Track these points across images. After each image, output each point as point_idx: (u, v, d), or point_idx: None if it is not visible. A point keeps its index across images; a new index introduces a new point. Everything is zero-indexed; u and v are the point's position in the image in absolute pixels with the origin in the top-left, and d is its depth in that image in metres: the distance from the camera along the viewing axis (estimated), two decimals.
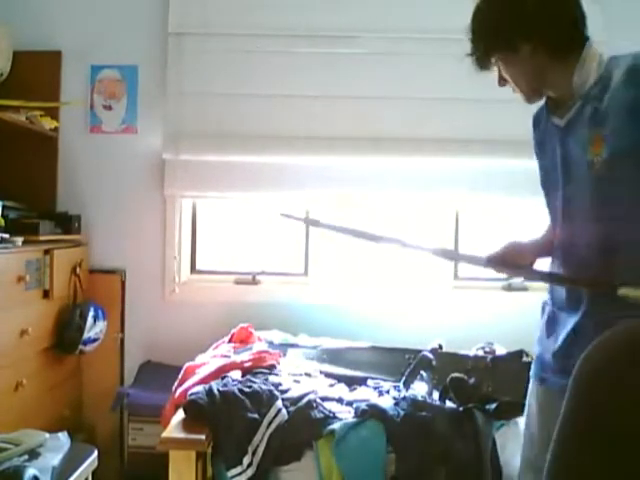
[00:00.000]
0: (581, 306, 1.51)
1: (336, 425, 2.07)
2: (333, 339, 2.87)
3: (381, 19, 3.07)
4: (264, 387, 2.21)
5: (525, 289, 3.11)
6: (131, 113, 3.16)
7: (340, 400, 2.29)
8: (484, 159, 3.04)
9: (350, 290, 3.17)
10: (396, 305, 3.13)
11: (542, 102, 1.63)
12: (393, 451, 2.05)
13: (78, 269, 2.90)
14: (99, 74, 3.15)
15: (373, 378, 2.55)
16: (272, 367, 2.51)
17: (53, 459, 1.87)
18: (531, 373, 1.69)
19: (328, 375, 2.58)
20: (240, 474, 1.95)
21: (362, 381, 2.53)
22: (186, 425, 2.02)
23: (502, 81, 1.57)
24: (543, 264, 1.68)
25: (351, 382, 2.52)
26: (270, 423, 2.07)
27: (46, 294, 2.67)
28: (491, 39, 1.50)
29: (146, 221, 3.17)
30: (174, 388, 2.35)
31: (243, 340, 2.75)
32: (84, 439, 2.66)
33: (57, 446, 1.96)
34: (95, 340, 2.87)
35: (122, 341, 3.15)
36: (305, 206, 3.26)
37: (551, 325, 1.61)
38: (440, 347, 2.68)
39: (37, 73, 3.01)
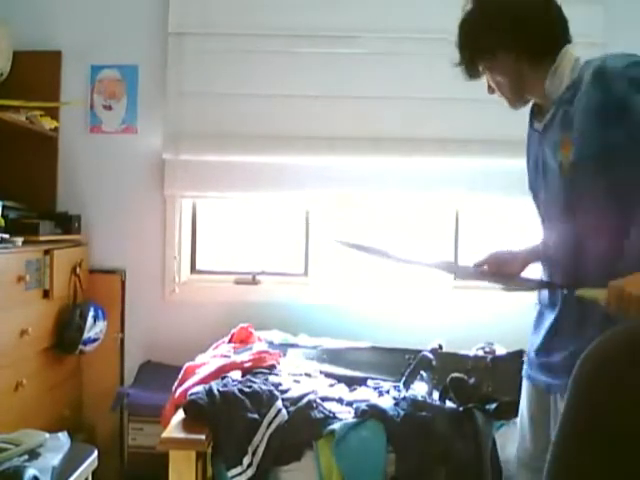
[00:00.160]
0: (557, 305, 1.56)
1: (336, 425, 2.07)
2: (333, 339, 2.87)
3: (381, 19, 3.07)
4: (264, 387, 2.21)
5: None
6: (131, 113, 3.16)
7: (340, 400, 2.29)
8: (483, 159, 3.04)
9: (350, 290, 3.17)
10: (396, 305, 3.13)
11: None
12: (393, 451, 2.05)
13: (78, 269, 2.90)
14: (99, 74, 3.15)
15: (373, 378, 2.55)
16: (272, 367, 2.51)
17: (53, 459, 1.87)
18: (522, 371, 1.71)
19: (328, 375, 2.57)
20: (240, 474, 1.95)
21: (362, 381, 2.53)
22: (186, 425, 2.02)
23: (490, 88, 1.65)
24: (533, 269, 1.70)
25: (351, 382, 2.52)
26: (270, 423, 2.07)
27: (46, 294, 2.67)
28: (474, 48, 1.58)
29: (146, 221, 3.17)
30: (174, 388, 2.35)
31: (243, 340, 2.75)
32: (84, 439, 2.66)
33: (57, 446, 1.96)
34: (95, 340, 2.87)
35: (122, 341, 3.15)
36: (305, 206, 3.27)
37: (537, 323, 1.65)
38: (440, 347, 2.68)
39: (37, 73, 3.01)
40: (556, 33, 1.56)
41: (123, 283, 3.15)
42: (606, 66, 1.47)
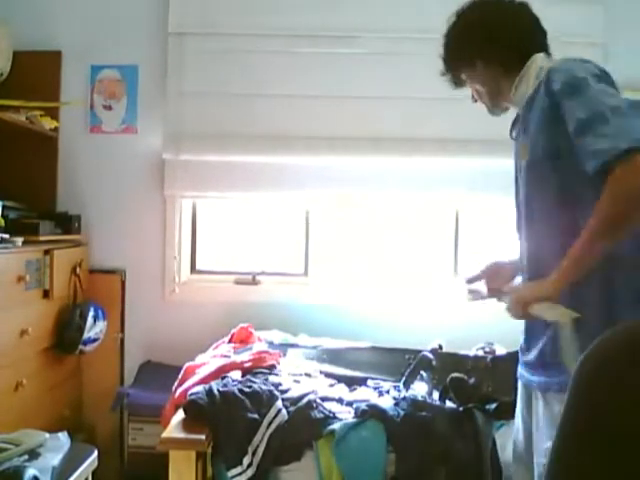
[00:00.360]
0: None
1: (336, 425, 2.07)
2: (333, 339, 2.87)
3: (381, 19, 3.07)
4: (264, 387, 2.21)
5: None
6: (131, 113, 3.16)
7: (340, 400, 2.29)
8: (483, 159, 3.04)
9: (350, 290, 3.17)
10: (396, 305, 3.13)
11: None
12: (393, 451, 2.05)
13: (78, 269, 2.90)
14: (99, 74, 3.15)
15: (373, 378, 2.55)
16: (272, 367, 2.51)
17: (53, 459, 1.87)
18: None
19: (328, 375, 2.57)
20: (240, 474, 1.95)
21: (362, 381, 2.53)
22: (186, 425, 2.02)
23: (473, 97, 1.76)
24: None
25: (351, 382, 2.52)
26: (270, 423, 2.07)
27: (46, 294, 2.67)
28: (456, 58, 1.71)
29: (146, 221, 3.17)
30: (174, 388, 2.35)
31: (243, 340, 2.75)
32: (84, 439, 2.66)
33: (57, 446, 1.96)
34: (95, 340, 2.87)
35: (122, 341, 3.15)
36: (305, 206, 3.27)
37: (525, 322, 1.67)
38: (440, 347, 2.67)
39: (37, 73, 3.01)
40: (527, 43, 1.64)
41: (123, 283, 3.15)
42: (553, 69, 1.51)
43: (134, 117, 3.16)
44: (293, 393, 2.25)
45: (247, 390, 2.16)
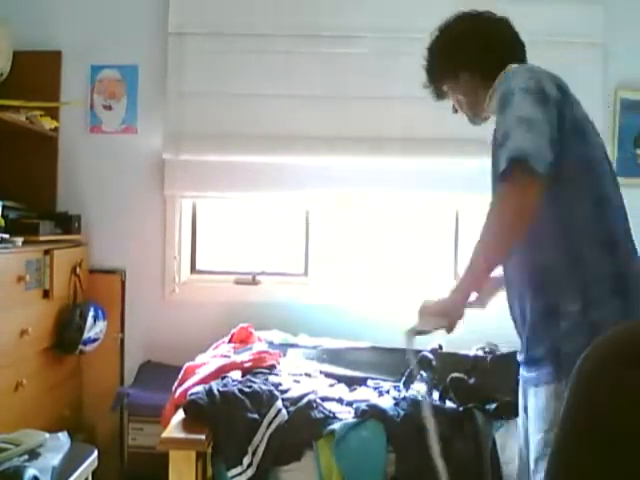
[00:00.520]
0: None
1: (336, 425, 2.07)
2: (333, 339, 2.86)
3: (381, 19, 3.07)
4: (264, 387, 2.21)
5: None
6: (131, 113, 3.16)
7: (340, 400, 2.28)
8: (483, 159, 3.03)
9: (350, 290, 3.17)
10: (396, 305, 3.13)
11: None
12: (393, 451, 2.05)
13: (78, 269, 2.90)
14: (99, 74, 3.15)
15: (373, 378, 2.55)
16: (272, 367, 2.51)
17: (53, 459, 1.87)
18: None
19: (328, 375, 2.57)
20: (240, 474, 1.95)
21: (362, 381, 2.53)
22: (186, 425, 2.02)
23: (454, 108, 1.82)
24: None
25: (351, 382, 2.52)
26: (270, 423, 2.07)
27: (46, 294, 2.67)
28: (440, 69, 1.77)
29: (146, 221, 3.17)
30: (174, 388, 2.35)
31: (243, 340, 2.75)
32: (84, 439, 2.66)
33: (57, 446, 1.96)
34: (95, 340, 2.87)
35: (122, 341, 3.15)
36: (305, 206, 3.26)
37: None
38: (440, 347, 2.67)
39: (37, 73, 3.01)
40: (508, 55, 1.68)
41: (123, 283, 3.15)
42: (499, 82, 1.60)
43: (134, 117, 3.16)
44: (293, 393, 2.25)
45: (247, 390, 2.16)
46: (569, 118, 1.46)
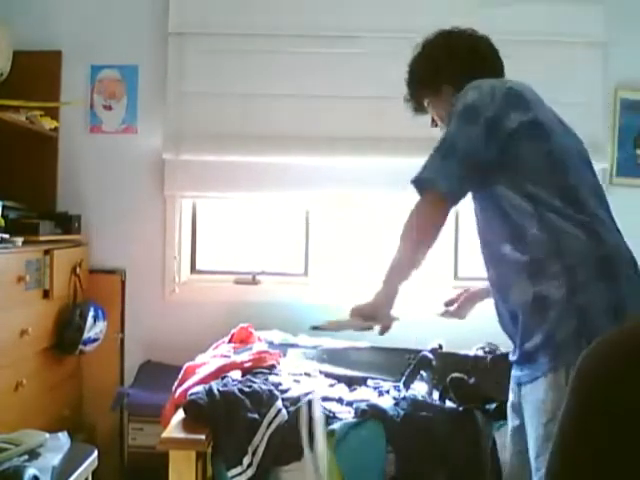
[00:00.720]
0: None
1: (336, 425, 2.07)
2: (333, 339, 2.86)
3: (381, 19, 3.07)
4: (264, 387, 2.21)
5: None
6: (131, 113, 3.16)
7: (340, 400, 2.28)
8: None
9: (350, 290, 3.17)
10: (396, 305, 3.12)
11: None
12: (393, 451, 2.05)
13: (78, 269, 2.90)
14: (99, 74, 3.15)
15: (373, 378, 2.55)
16: (272, 367, 2.51)
17: (53, 459, 1.88)
18: None
19: (328, 375, 2.57)
20: (240, 474, 1.95)
21: (362, 381, 2.53)
22: (186, 425, 2.01)
23: (433, 122, 1.91)
24: None
25: (351, 382, 2.51)
26: (270, 423, 2.07)
27: (46, 294, 2.67)
28: (423, 83, 1.86)
29: (146, 221, 3.17)
30: (174, 388, 2.34)
31: (243, 340, 2.75)
32: (84, 439, 2.66)
33: (57, 446, 1.96)
34: (95, 340, 2.87)
35: (122, 341, 3.15)
36: (305, 206, 3.26)
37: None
38: (440, 347, 2.67)
39: (37, 73, 3.01)
40: (489, 71, 1.76)
41: (123, 283, 3.16)
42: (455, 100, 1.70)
43: (134, 117, 3.16)
44: (293, 393, 2.25)
45: (247, 390, 2.16)
46: (516, 123, 1.56)
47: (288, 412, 2.13)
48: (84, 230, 3.06)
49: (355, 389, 2.46)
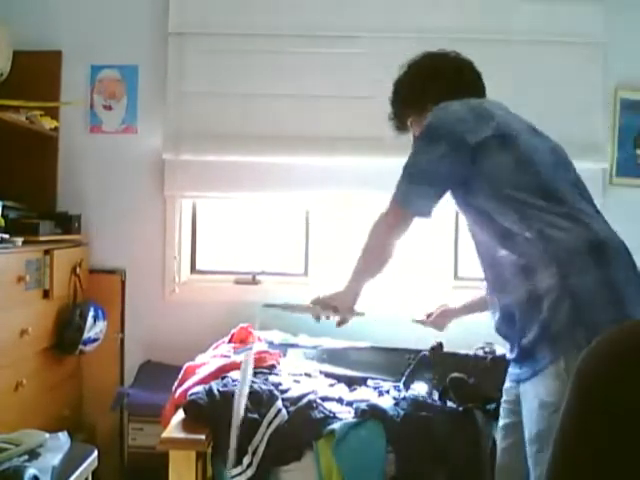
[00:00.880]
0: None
1: (336, 425, 2.07)
2: (333, 339, 2.86)
3: (381, 19, 3.07)
4: (264, 387, 2.21)
5: None
6: (131, 113, 3.16)
7: (340, 400, 2.28)
8: None
9: None
10: (396, 305, 3.13)
11: None
12: (393, 451, 2.05)
13: (78, 269, 2.90)
14: (99, 74, 3.15)
15: (373, 378, 2.55)
16: (272, 367, 2.51)
17: (53, 459, 1.87)
18: None
19: (328, 375, 2.57)
20: (240, 474, 1.95)
21: (362, 381, 2.53)
22: (186, 425, 2.02)
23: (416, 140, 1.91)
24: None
25: (351, 382, 2.52)
26: (270, 423, 2.07)
27: (46, 294, 2.67)
28: (408, 102, 1.93)
29: (146, 221, 3.17)
30: (174, 388, 2.34)
31: (243, 340, 2.75)
32: (84, 439, 2.66)
33: (57, 446, 1.96)
34: (95, 340, 2.87)
35: (122, 341, 3.15)
36: (305, 206, 3.26)
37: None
38: (440, 347, 2.67)
39: (37, 73, 3.01)
40: (472, 91, 1.85)
41: (123, 283, 3.16)
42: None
43: (134, 117, 3.16)
44: (293, 393, 2.25)
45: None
46: (481, 137, 1.65)
47: (288, 412, 2.13)
48: (84, 230, 3.06)
49: (355, 389, 2.46)
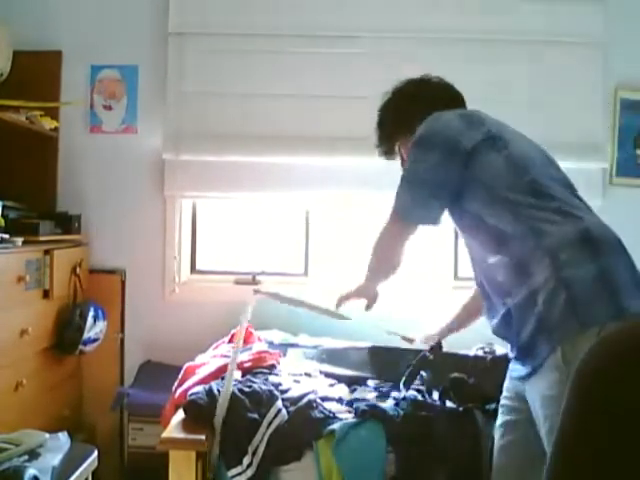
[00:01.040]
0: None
1: (336, 425, 2.07)
2: (333, 339, 2.86)
3: (381, 19, 3.07)
4: (264, 387, 2.21)
5: None
6: (131, 113, 3.16)
7: (340, 400, 2.28)
8: None
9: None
10: (396, 305, 3.13)
11: None
12: (393, 451, 2.05)
13: (78, 269, 2.90)
14: (99, 74, 3.15)
15: (373, 378, 2.55)
16: (272, 367, 2.51)
17: (53, 459, 1.87)
18: None
19: (328, 375, 2.57)
20: (240, 474, 1.95)
21: (362, 381, 2.53)
22: (186, 425, 2.01)
23: (404, 162, 2.00)
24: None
25: (351, 382, 2.51)
26: (270, 423, 2.07)
27: (46, 294, 2.67)
28: (396, 127, 2.01)
29: (146, 221, 3.17)
30: (174, 388, 2.34)
31: (243, 340, 2.75)
32: (84, 439, 2.66)
33: (57, 446, 1.96)
34: (95, 340, 2.87)
35: (122, 341, 3.15)
36: (305, 206, 3.26)
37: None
38: (440, 347, 2.67)
39: (37, 73, 3.02)
40: (454, 105, 1.91)
41: (123, 283, 3.16)
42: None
43: (134, 117, 3.16)
44: (293, 393, 2.25)
45: (247, 390, 2.16)
46: (473, 141, 1.69)
47: (288, 412, 2.13)
48: (84, 230, 3.06)
49: (355, 389, 2.46)
